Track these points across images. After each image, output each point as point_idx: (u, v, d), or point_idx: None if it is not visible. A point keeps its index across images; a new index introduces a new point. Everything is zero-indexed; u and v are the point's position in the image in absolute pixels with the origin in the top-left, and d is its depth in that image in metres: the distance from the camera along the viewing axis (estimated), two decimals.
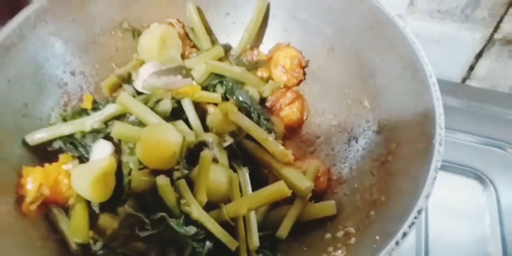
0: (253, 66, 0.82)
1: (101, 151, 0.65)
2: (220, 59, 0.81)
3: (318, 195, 0.69)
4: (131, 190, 0.62)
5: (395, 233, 0.51)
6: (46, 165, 0.64)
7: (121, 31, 0.81)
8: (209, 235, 0.60)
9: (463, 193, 0.85)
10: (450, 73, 1.02)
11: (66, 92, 0.75)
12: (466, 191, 0.85)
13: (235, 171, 0.67)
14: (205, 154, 0.62)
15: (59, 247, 0.60)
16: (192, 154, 0.66)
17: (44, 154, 0.68)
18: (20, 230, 0.58)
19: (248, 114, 0.72)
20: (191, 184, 0.62)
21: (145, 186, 0.61)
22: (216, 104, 0.75)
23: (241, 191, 0.65)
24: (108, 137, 0.69)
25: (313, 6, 0.76)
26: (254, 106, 0.74)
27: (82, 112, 0.71)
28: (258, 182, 0.68)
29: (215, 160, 0.66)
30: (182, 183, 0.61)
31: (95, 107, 0.72)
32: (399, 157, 0.62)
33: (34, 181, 0.61)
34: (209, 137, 0.67)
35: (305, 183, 0.65)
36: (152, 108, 0.68)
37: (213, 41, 0.84)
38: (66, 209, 0.64)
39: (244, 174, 0.67)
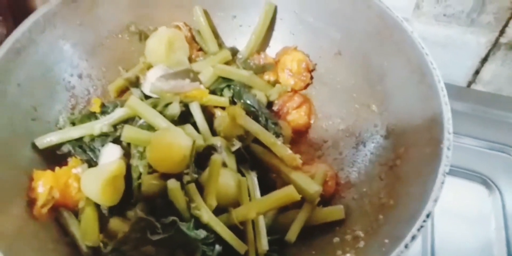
0: (260, 70, 0.82)
1: (110, 155, 0.65)
2: (227, 63, 0.81)
3: (326, 200, 0.69)
4: (141, 194, 0.63)
5: (404, 236, 0.51)
6: (57, 169, 0.64)
7: (128, 34, 0.81)
8: (219, 239, 0.60)
9: (469, 198, 0.85)
10: (455, 77, 1.03)
11: (73, 96, 0.75)
12: (471, 195, 0.86)
13: (243, 175, 0.67)
14: (216, 158, 0.62)
15: (69, 250, 0.61)
16: (200, 158, 0.66)
17: (53, 157, 0.68)
18: (31, 233, 0.58)
19: (256, 118, 0.72)
20: (200, 188, 0.62)
21: (155, 190, 0.62)
22: (223, 108, 0.75)
23: (249, 195, 0.65)
24: (116, 141, 0.69)
25: (320, 10, 0.76)
26: (262, 110, 0.74)
27: (91, 116, 0.71)
28: (266, 186, 0.68)
29: (223, 164, 0.66)
30: (192, 187, 0.61)
31: (104, 110, 0.72)
32: (407, 162, 0.62)
33: (45, 184, 0.61)
34: (218, 141, 0.68)
35: (313, 188, 0.65)
36: (160, 112, 0.68)
37: (220, 45, 0.84)
38: (76, 213, 0.64)
39: (253, 178, 0.67)
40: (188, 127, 0.68)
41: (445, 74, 0.61)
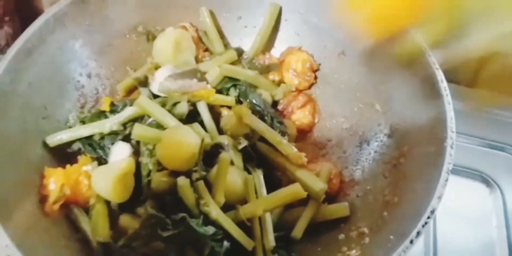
0: (265, 70, 0.83)
1: (120, 152, 0.67)
2: (233, 63, 0.82)
3: (330, 197, 0.70)
4: (150, 191, 0.64)
5: (409, 232, 0.52)
6: (67, 166, 0.66)
7: (136, 35, 0.82)
8: (227, 235, 0.61)
9: (470, 196, 0.86)
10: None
11: (82, 95, 0.77)
12: (472, 194, 0.87)
13: (249, 173, 0.68)
14: (224, 156, 0.63)
15: (80, 247, 0.62)
16: (207, 156, 0.67)
17: (64, 155, 0.70)
18: (44, 229, 0.59)
19: (262, 117, 0.74)
20: (208, 185, 0.64)
21: (165, 187, 0.63)
22: (229, 107, 0.77)
23: (256, 192, 0.67)
24: (126, 139, 0.70)
25: (325, 11, 0.77)
26: (267, 109, 0.76)
27: (100, 114, 0.73)
28: (272, 184, 0.69)
29: (231, 162, 0.67)
30: (201, 184, 0.62)
31: (113, 109, 0.73)
32: (411, 160, 0.64)
33: (56, 181, 0.62)
34: (225, 140, 0.69)
35: (319, 185, 0.66)
36: (169, 111, 0.69)
37: (226, 45, 0.86)
38: (86, 209, 0.65)
39: (259, 176, 0.68)
40: (196, 125, 0.70)
41: (445, 74, 0.63)
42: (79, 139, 0.70)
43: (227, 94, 0.80)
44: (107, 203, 0.64)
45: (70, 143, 0.70)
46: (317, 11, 0.78)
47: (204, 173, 0.64)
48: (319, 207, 0.67)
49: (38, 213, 0.60)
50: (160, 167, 0.65)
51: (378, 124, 0.72)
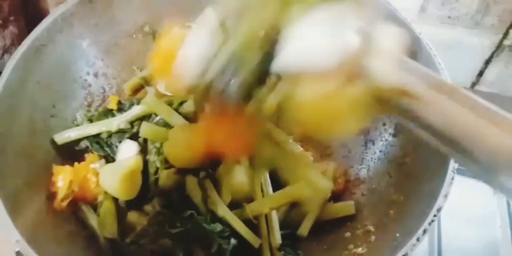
0: None
1: (127, 150, 0.67)
2: None
3: (336, 196, 0.71)
4: (157, 188, 0.64)
5: (416, 230, 0.52)
6: (75, 164, 0.66)
7: (142, 35, 0.83)
8: (234, 233, 0.62)
9: (474, 196, 0.86)
10: (459, 78, 1.04)
11: (89, 93, 0.77)
12: (476, 193, 0.87)
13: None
14: None
15: (88, 243, 0.62)
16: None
17: (71, 153, 0.70)
18: (52, 226, 0.59)
19: None
20: (214, 183, 0.64)
21: (172, 184, 0.64)
22: None
23: (262, 191, 0.67)
24: (133, 137, 0.70)
25: None
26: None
27: (108, 113, 0.73)
28: (277, 182, 0.69)
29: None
30: (208, 182, 0.63)
31: (120, 108, 0.74)
32: (416, 159, 0.64)
33: (65, 178, 0.62)
34: None
35: (324, 184, 0.66)
36: (176, 110, 0.70)
37: None
38: (94, 207, 0.65)
39: (265, 174, 0.69)
40: None
41: (449, 75, 0.63)
42: (87, 137, 0.70)
43: None
44: (115, 200, 0.65)
45: (77, 141, 0.70)
46: None
47: (211, 171, 0.64)
48: (325, 205, 0.68)
49: (46, 210, 0.61)
50: (167, 165, 0.65)
51: (383, 124, 0.72)
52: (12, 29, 0.94)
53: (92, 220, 0.64)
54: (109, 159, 0.70)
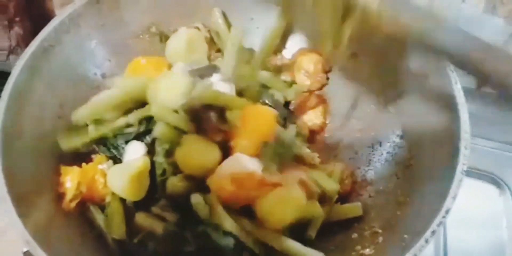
0: (277, 71, 0.84)
1: (135, 151, 0.67)
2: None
3: (343, 197, 0.71)
4: (164, 191, 0.65)
5: (424, 232, 0.53)
6: (83, 165, 0.66)
7: (149, 35, 0.83)
8: (243, 246, 0.62)
9: (479, 197, 0.87)
10: (465, 78, 1.04)
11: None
12: (482, 195, 0.87)
13: None
14: None
15: (96, 244, 0.63)
16: None
17: (79, 154, 0.70)
18: (61, 227, 0.60)
19: None
20: None
21: (180, 191, 0.64)
22: None
23: None
24: (138, 138, 0.70)
25: None
26: (281, 110, 0.76)
27: None
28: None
29: None
30: (213, 196, 0.63)
31: None
32: (424, 161, 0.64)
33: (73, 179, 0.63)
34: None
35: (332, 185, 0.67)
36: None
37: None
38: (102, 207, 0.66)
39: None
40: None
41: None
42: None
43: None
44: (123, 201, 0.65)
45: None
46: None
47: None
48: (332, 207, 0.68)
49: (55, 211, 0.61)
50: (175, 169, 0.65)
51: (390, 125, 0.72)
52: (17, 30, 0.94)
53: (100, 221, 0.64)
54: (116, 160, 0.70)
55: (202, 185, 0.64)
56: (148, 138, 0.69)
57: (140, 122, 0.70)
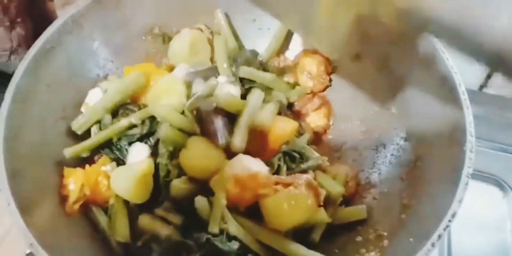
0: (280, 72, 0.83)
1: (138, 153, 0.67)
2: (248, 65, 0.83)
3: (347, 200, 0.70)
4: (168, 193, 0.64)
5: (430, 235, 0.53)
6: (87, 166, 0.66)
7: (152, 37, 0.83)
8: (248, 249, 0.62)
9: (483, 200, 0.87)
10: (468, 80, 1.04)
11: None
12: (486, 197, 0.87)
13: None
14: None
15: (100, 246, 0.62)
16: None
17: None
18: (64, 229, 0.59)
19: None
20: None
21: (184, 193, 0.64)
22: None
23: None
24: (141, 139, 0.70)
25: None
26: (284, 112, 0.76)
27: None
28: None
29: None
30: (217, 200, 0.62)
31: None
32: (428, 163, 0.64)
33: (76, 181, 0.62)
34: None
35: (336, 188, 0.67)
36: None
37: (240, 47, 0.86)
38: (105, 210, 0.65)
39: None
40: None
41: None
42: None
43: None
44: (126, 203, 0.65)
45: None
46: None
47: None
48: (336, 210, 0.67)
49: (58, 213, 0.61)
50: (180, 170, 0.65)
51: (394, 127, 0.72)
52: (19, 30, 0.94)
53: (104, 223, 0.64)
54: (120, 162, 0.69)
55: (206, 187, 0.63)
56: (151, 140, 0.69)
57: (143, 122, 0.69)
